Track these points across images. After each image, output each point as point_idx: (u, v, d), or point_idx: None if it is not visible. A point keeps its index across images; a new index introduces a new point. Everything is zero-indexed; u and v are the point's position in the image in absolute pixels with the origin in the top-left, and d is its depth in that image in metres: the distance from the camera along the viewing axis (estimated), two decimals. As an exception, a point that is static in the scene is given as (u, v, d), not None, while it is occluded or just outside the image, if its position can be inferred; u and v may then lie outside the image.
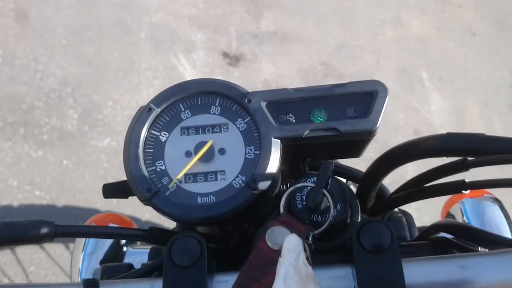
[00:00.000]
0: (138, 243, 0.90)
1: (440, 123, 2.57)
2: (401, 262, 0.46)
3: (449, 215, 0.87)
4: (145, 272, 0.55)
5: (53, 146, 2.24)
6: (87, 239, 0.85)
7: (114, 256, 0.84)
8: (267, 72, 2.59)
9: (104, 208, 2.18)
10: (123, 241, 0.86)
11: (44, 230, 0.52)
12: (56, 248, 2.04)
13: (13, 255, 2.01)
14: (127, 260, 0.84)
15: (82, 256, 0.83)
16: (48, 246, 2.04)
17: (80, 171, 2.22)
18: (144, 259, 0.81)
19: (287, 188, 0.62)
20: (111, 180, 2.28)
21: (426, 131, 2.54)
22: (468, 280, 0.46)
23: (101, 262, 0.83)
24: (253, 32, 2.70)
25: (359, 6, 2.85)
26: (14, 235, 0.51)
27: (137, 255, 0.85)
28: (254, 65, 2.60)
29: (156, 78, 2.48)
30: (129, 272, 0.56)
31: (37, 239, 0.51)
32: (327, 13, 2.81)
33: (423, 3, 2.89)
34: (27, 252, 2.03)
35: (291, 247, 0.49)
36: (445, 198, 1.02)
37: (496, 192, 0.87)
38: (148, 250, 0.82)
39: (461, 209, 0.84)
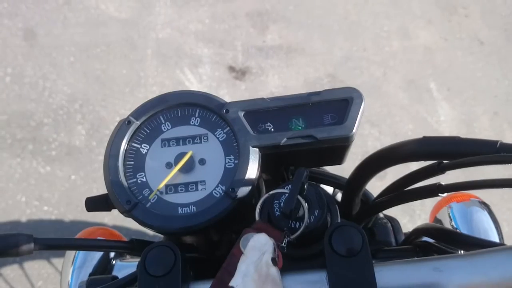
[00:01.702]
0: (127, 256, 0.90)
1: (449, 132, 2.55)
2: (373, 266, 0.46)
3: (436, 220, 0.86)
4: (123, 284, 0.55)
5: (61, 162, 2.27)
6: (77, 252, 0.86)
7: (103, 269, 0.85)
8: (273, 85, 2.60)
9: (112, 223, 2.19)
10: (112, 255, 0.87)
11: (23, 243, 0.52)
12: (64, 263, 2.05)
13: (21, 270, 2.03)
14: (115, 273, 0.84)
15: (71, 270, 0.84)
16: (55, 261, 2.05)
17: (88, 186, 2.24)
18: (132, 271, 0.81)
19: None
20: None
21: (435, 142, 2.52)
22: (442, 282, 0.45)
23: (90, 275, 0.83)
24: (259, 45, 2.71)
25: (365, 18, 2.85)
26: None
27: (126, 268, 0.85)
28: (261, 78, 2.61)
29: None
30: (108, 284, 0.56)
31: (15, 252, 0.52)
32: (333, 26, 2.82)
33: (429, 14, 2.88)
34: (36, 267, 2.04)
35: (256, 246, 0.49)
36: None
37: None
38: (137, 263, 0.82)
39: (449, 213, 0.83)
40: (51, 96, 2.40)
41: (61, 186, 2.22)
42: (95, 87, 2.47)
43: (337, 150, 0.62)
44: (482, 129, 2.55)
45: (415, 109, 2.58)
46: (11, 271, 2.03)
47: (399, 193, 0.61)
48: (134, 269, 0.83)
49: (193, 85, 2.54)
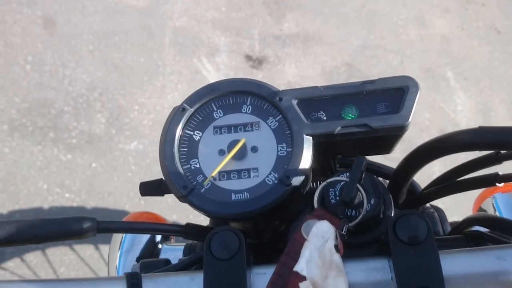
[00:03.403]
0: (172, 240, 0.92)
1: (466, 122, 2.55)
2: (438, 254, 0.47)
3: (480, 210, 0.87)
4: (184, 266, 0.57)
5: (82, 150, 2.29)
6: (124, 237, 0.87)
7: (150, 252, 0.87)
8: (290, 74, 2.60)
9: (132, 210, 2.22)
10: (158, 238, 0.88)
11: (87, 226, 0.54)
12: (86, 249, 2.08)
13: (43, 257, 2.06)
14: (162, 256, 0.86)
15: (119, 253, 0.86)
16: (78, 247, 2.08)
17: (109, 174, 2.26)
18: (179, 255, 0.83)
19: (317, 186, 0.63)
20: (138, 182, 2.32)
21: (452, 131, 2.52)
22: (506, 271, 0.46)
23: (138, 258, 0.85)
24: (276, 34, 2.71)
25: (382, 6, 2.84)
26: (58, 231, 0.53)
27: (172, 251, 0.87)
28: (277, 67, 2.61)
29: (181, 82, 2.52)
30: (168, 266, 0.58)
31: (80, 234, 0.53)
32: (349, 14, 2.81)
33: (446, 2, 2.87)
34: (58, 253, 2.07)
35: (318, 233, 0.50)
36: (471, 195, 1.02)
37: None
38: (183, 247, 0.84)
39: (493, 204, 0.84)
40: (71, 84, 2.42)
41: (82, 173, 2.24)
42: (114, 75, 2.49)
43: (389, 140, 0.63)
44: (499, 119, 2.54)
45: (432, 98, 2.57)
46: (34, 257, 2.06)
47: (451, 183, 0.62)
48: (180, 252, 0.85)
49: (211, 74, 2.55)
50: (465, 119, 2.56)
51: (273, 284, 0.48)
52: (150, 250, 0.87)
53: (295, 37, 2.72)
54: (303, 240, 0.51)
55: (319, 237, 0.49)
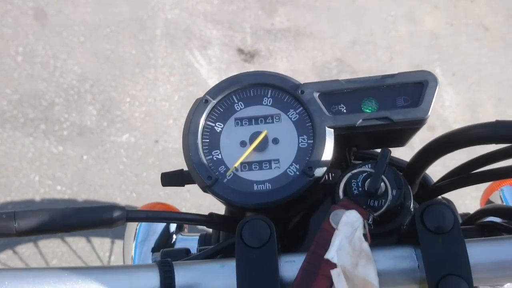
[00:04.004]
0: (185, 230, 0.93)
1: (454, 118, 2.59)
2: (465, 242, 0.49)
3: (488, 202, 0.89)
4: (211, 254, 0.58)
5: (73, 142, 2.27)
6: (139, 227, 0.88)
7: (164, 243, 0.88)
8: (282, 68, 2.61)
9: (124, 203, 2.21)
10: (173, 229, 0.89)
11: (117, 215, 0.55)
12: (78, 242, 2.08)
13: (36, 248, 2.05)
14: (177, 246, 0.87)
15: (134, 244, 0.86)
16: (70, 239, 2.07)
17: (100, 166, 2.25)
18: (194, 245, 0.84)
19: (332, 178, 0.65)
20: (130, 174, 2.32)
21: (440, 126, 2.56)
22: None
23: (153, 249, 0.86)
24: (268, 28, 2.72)
25: (372, 2, 2.87)
26: (90, 220, 0.54)
27: (187, 241, 0.88)
28: (269, 61, 2.62)
29: (173, 75, 2.51)
30: (196, 254, 0.59)
31: (110, 223, 0.54)
32: (340, 9, 2.83)
33: (435, -1, 2.91)
34: (50, 245, 2.06)
35: (348, 222, 0.52)
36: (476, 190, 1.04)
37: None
38: (197, 237, 0.85)
39: (500, 196, 0.86)
40: (62, 75, 2.40)
41: (74, 166, 2.23)
42: (105, 67, 2.47)
43: (406, 133, 0.65)
44: (487, 115, 2.59)
45: (421, 93, 2.60)
46: (26, 249, 2.05)
47: (466, 175, 0.64)
48: (194, 242, 0.86)
49: (203, 67, 2.55)
50: (453, 114, 2.60)
51: (304, 271, 0.50)
52: (165, 240, 0.88)
53: (287, 31, 2.73)
54: (331, 229, 0.52)
55: (349, 226, 0.51)
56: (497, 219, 0.66)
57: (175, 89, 2.48)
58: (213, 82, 2.47)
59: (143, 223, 0.89)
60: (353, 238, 0.51)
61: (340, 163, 0.74)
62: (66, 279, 0.48)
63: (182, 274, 0.51)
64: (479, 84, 2.66)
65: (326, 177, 0.73)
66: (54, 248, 2.06)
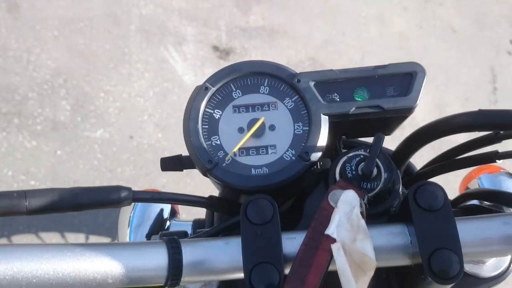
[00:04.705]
0: (178, 216, 0.95)
1: (423, 117, 2.66)
2: (455, 220, 0.53)
3: (467, 189, 0.94)
4: (215, 232, 0.60)
5: (47, 137, 2.25)
6: (133, 213, 0.89)
7: (158, 228, 0.89)
8: (256, 65, 2.64)
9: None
10: (167, 215, 0.91)
11: (124, 195, 0.57)
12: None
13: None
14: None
15: (128, 230, 0.88)
16: (43, 236, 2.05)
17: (74, 162, 2.24)
18: (188, 230, 0.86)
19: (320, 167, 0.68)
20: (104, 170, 2.30)
21: (409, 125, 2.61)
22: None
23: (147, 235, 0.88)
24: (242, 26, 2.74)
25: (344, 3, 2.93)
26: (98, 199, 0.55)
27: (180, 226, 0.90)
28: (244, 59, 2.64)
29: (148, 71, 2.51)
30: (201, 232, 0.61)
31: (118, 203, 0.56)
32: (313, 9, 2.88)
33: (405, 1, 2.98)
34: (24, 240, 2.04)
35: (346, 200, 0.55)
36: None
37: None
38: (191, 222, 0.87)
39: (478, 184, 0.91)
40: (35, 70, 2.37)
41: (47, 161, 2.21)
42: (79, 62, 2.45)
43: (394, 121, 0.69)
44: (454, 114, 2.67)
45: (392, 93, 2.67)
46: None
47: (448, 162, 0.68)
48: (188, 227, 0.88)
49: (178, 63, 2.56)
50: (422, 113, 2.67)
51: (306, 246, 0.53)
52: (159, 225, 0.90)
53: (261, 29, 2.76)
54: (330, 208, 0.55)
55: (347, 204, 0.54)
56: (478, 203, 0.70)
57: (150, 85, 2.48)
58: (188, 78, 2.49)
59: (137, 209, 0.90)
60: (351, 216, 0.54)
61: (330, 151, 0.77)
62: (78, 255, 0.50)
63: (189, 250, 0.53)
64: (446, 85, 2.75)
65: (318, 165, 0.76)
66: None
